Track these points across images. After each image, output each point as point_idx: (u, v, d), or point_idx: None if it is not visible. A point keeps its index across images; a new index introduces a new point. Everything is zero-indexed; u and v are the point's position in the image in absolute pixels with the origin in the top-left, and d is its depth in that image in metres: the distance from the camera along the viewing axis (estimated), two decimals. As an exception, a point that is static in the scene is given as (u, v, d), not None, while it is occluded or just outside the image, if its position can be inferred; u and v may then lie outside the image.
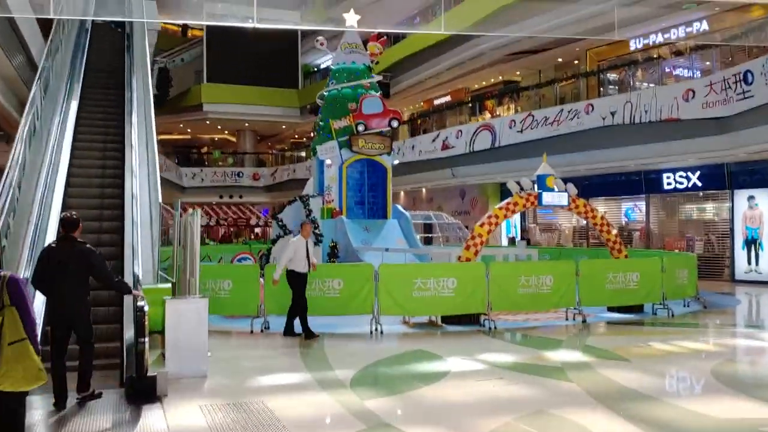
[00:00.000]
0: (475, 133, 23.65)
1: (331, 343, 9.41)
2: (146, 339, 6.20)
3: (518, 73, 28.42)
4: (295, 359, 8.39)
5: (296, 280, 9.78)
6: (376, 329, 10.11)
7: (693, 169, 19.76)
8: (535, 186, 12.09)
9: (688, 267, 13.17)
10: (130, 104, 13.28)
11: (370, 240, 17.49)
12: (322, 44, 19.36)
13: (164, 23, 43.23)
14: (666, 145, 17.71)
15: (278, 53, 37.94)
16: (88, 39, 17.81)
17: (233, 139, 43.78)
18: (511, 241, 25.78)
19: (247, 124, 40.17)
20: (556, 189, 12.06)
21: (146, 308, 6.33)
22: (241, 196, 38.54)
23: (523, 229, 26.09)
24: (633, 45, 23.34)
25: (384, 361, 8.25)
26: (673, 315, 11.90)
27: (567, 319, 11.46)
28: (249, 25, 10.51)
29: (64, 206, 10.08)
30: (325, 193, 18.18)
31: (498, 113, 25.39)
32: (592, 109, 19.49)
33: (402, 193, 31.89)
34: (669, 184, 20.51)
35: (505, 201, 11.82)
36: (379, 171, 19.07)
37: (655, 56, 20.24)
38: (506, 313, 11.47)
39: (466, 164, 24.14)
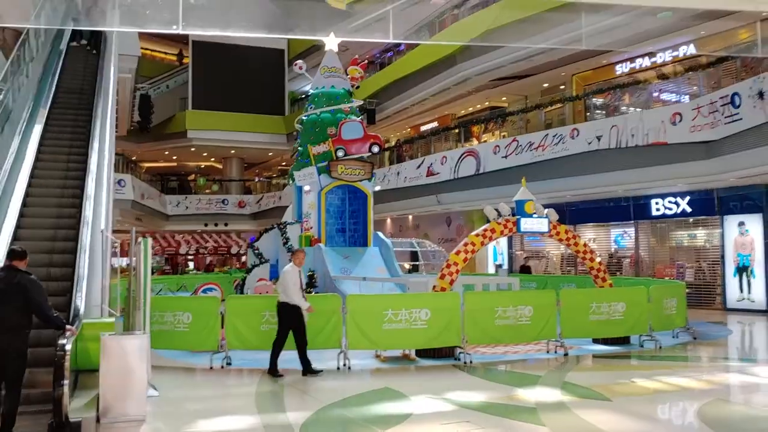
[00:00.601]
0: (459, 159, 23.19)
1: (292, 381, 8.76)
2: (65, 381, 5.57)
3: (504, 98, 28.07)
4: (248, 400, 7.73)
5: (290, 313, 9.09)
6: (344, 364, 9.47)
7: (682, 195, 19.29)
8: (514, 212, 11.57)
9: (677, 296, 12.58)
10: (94, 128, 12.72)
11: (350, 268, 16.91)
12: (300, 68, 18.94)
13: (148, 50, 43.19)
14: (654, 169, 17.23)
15: (264, 79, 37.61)
16: (61, 61, 17.28)
17: (219, 166, 43.23)
18: (498, 269, 25.21)
19: (233, 151, 39.67)
20: (536, 215, 11.50)
21: (68, 347, 5.71)
22: (226, 224, 37.90)
23: (528, 257, 25.43)
24: (619, 69, 23.07)
25: (344, 401, 7.60)
26: (660, 347, 11.30)
27: (548, 352, 10.85)
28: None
29: (15, 237, 9.49)
30: (303, 220, 17.61)
31: (484, 139, 25.00)
32: (578, 133, 19.06)
33: (388, 220, 31.35)
34: (658, 209, 20.01)
35: (482, 227, 11.26)
36: (360, 197, 18.60)
37: (641, 80, 19.83)
38: (485, 345, 10.86)
39: (451, 191, 23.64)
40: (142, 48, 42.56)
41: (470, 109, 30.00)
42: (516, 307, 10.35)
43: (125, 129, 32.83)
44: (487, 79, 25.20)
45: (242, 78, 36.68)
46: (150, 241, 8.33)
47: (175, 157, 42.64)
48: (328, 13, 27.97)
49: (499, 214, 11.32)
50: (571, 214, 22.54)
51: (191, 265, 36.89)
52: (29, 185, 11.22)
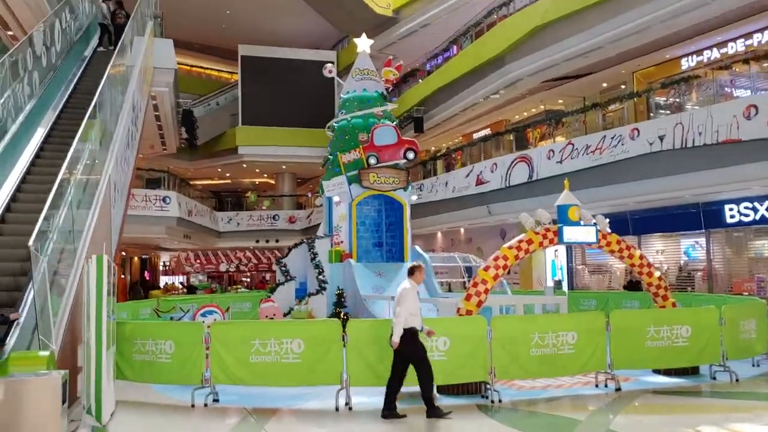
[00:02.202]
0: (510, 165, 21.46)
1: (277, 426, 7.35)
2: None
3: (561, 101, 26.18)
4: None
5: (413, 340, 7.74)
6: (345, 404, 8.00)
7: (760, 199, 17.02)
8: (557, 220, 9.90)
9: (757, 316, 10.56)
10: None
11: (384, 286, 15.44)
12: (330, 72, 17.67)
13: (200, 67, 43.15)
14: (725, 171, 15.11)
15: (314, 92, 36.72)
16: (83, 65, 16.53)
17: (273, 182, 42.65)
18: (557, 285, 23.24)
19: (284, 167, 38.93)
20: (582, 222, 9.79)
21: None
22: (277, 240, 37.06)
23: (571, 271, 23.53)
24: (685, 63, 20.95)
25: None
26: (737, 380, 9.38)
27: (597, 386, 9.10)
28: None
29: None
30: (333, 233, 16.27)
31: (538, 145, 23.17)
32: (638, 133, 17.08)
33: (439, 233, 29.75)
34: (732, 216, 17.76)
35: (517, 239, 9.63)
36: (397, 208, 17.13)
37: (710, 73, 17.72)
38: (523, 378, 9.19)
39: (502, 200, 21.89)
40: (192, 66, 42.92)
41: (525, 114, 28.22)
42: (557, 333, 8.65)
43: (174, 147, 32.56)
44: (540, 80, 23.47)
45: (292, 92, 35.97)
46: (105, 258, 7.12)
47: (228, 174, 42.37)
48: (375, 20, 26.82)
49: (538, 223, 9.67)
50: (635, 223, 20.47)
51: (246, 282, 36.27)
52: (17, 189, 10.35)
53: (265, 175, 42.47)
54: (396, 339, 7.59)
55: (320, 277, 15.08)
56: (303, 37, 36.85)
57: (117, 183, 12.30)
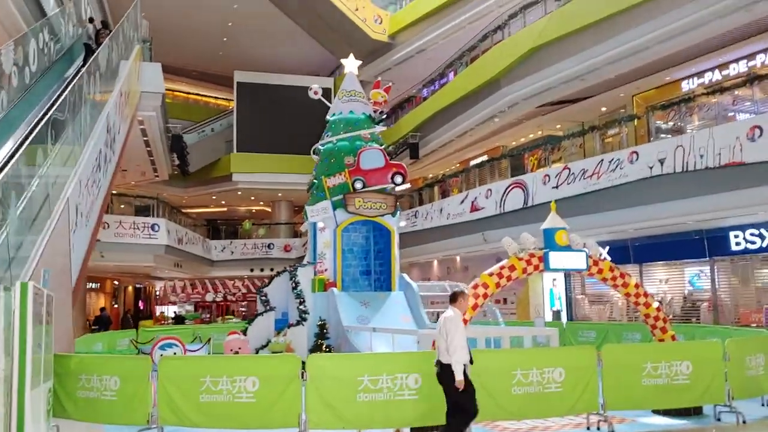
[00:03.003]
0: (505, 191, 20.74)
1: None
2: None
3: (558, 126, 25.53)
4: None
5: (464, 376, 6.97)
6: (304, 450, 7.18)
7: (767, 225, 16.23)
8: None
9: (765, 351, 9.67)
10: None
11: (369, 317, 14.64)
12: (316, 93, 17.02)
13: (197, 95, 42.81)
14: (729, 195, 14.34)
15: (310, 119, 36.04)
16: (63, 87, 15.95)
17: (269, 210, 41.97)
18: (556, 315, 22.34)
19: (280, 194, 38.25)
20: (570, 247, 9.01)
21: None
22: (272, 269, 36.17)
23: (570, 301, 22.65)
24: (686, 86, 20.30)
25: None
26: (744, 421, 8.50)
27: (588, 428, 8.23)
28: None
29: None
30: (317, 261, 15.50)
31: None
32: (637, 157, 16.37)
33: (435, 262, 28.93)
34: (738, 244, 16.94)
35: (498, 265, 8.85)
36: (386, 235, 16.36)
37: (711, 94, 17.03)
38: (503, 419, 8.32)
39: (498, 227, 21.10)
40: (189, 93, 42.53)
41: (522, 140, 27.59)
42: (542, 369, 7.82)
43: (166, 173, 31.91)
44: (537, 104, 22.85)
45: (288, 118, 35.42)
46: (31, 285, 6.35)
47: (224, 202, 41.73)
48: (371, 46, 26.30)
49: (522, 248, 8.89)
50: (636, 251, 19.64)
51: (243, 312, 35.34)
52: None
53: (261, 203, 41.80)
54: (460, 378, 6.82)
55: (301, 307, 14.28)
56: (300, 64, 36.47)
57: (80, 206, 11.60)
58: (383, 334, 12.25)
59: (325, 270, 15.31)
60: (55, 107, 10.36)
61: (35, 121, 10.62)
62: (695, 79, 19.96)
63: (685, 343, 9.68)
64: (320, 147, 16.73)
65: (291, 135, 35.10)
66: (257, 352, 13.48)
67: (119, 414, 7.73)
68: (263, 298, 15.33)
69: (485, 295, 8.47)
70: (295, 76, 35.89)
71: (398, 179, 15.72)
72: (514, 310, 24.14)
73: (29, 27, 15.83)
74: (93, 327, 27.20)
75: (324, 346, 13.86)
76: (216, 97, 44.04)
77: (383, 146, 16.35)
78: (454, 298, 7.40)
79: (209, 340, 17.60)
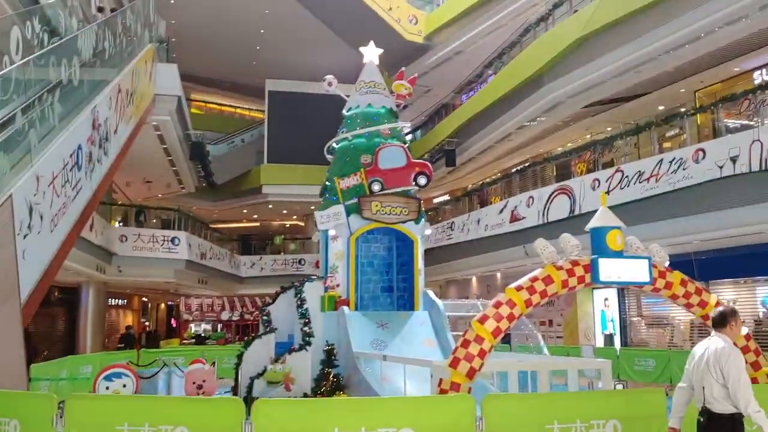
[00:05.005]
0: (549, 198, 18.45)
1: None
2: None
3: (610, 129, 23.10)
4: None
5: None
6: None
7: None
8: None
9: None
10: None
11: (386, 341, 12.55)
12: (330, 85, 15.12)
13: (229, 106, 41.59)
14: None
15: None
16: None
17: (302, 224, 40.29)
18: (609, 340, 19.83)
19: (312, 207, 36.42)
20: (626, 252, 6.78)
21: None
22: (302, 286, 34.41)
23: (624, 324, 20.09)
24: (758, 77, 17.76)
25: None
26: None
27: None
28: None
29: None
30: (328, 275, 13.48)
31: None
32: (704, 155, 13.96)
33: (474, 279, 26.61)
34: (826, 258, 14.33)
35: (529, 276, 6.68)
36: (411, 245, 14.24)
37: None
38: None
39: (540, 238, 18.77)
40: (221, 105, 41.40)
41: (569, 145, 25.15)
42: (588, 422, 5.59)
43: (192, 185, 30.57)
44: (584, 103, 20.54)
45: (321, 128, 33.57)
46: None
47: (255, 216, 40.25)
48: (405, 49, 24.28)
49: (561, 254, 6.71)
50: (702, 267, 16.96)
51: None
52: None
53: (295, 217, 40.21)
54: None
55: (305, 328, 12.24)
56: (333, 71, 34.62)
57: (39, 207, 9.86)
58: (391, 363, 10.13)
59: (337, 285, 13.27)
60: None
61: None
62: (768, 69, 17.46)
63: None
64: (334, 145, 14.80)
65: (324, 145, 33.45)
66: (252, 382, 11.51)
67: (17, 471, 5.79)
68: (265, 317, 13.36)
69: (511, 317, 6.30)
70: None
71: (422, 180, 13.63)
72: (561, 333, 21.70)
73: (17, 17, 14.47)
74: (119, 345, 25.87)
75: (331, 376, 11.79)
76: (249, 109, 42.83)
77: (406, 144, 14.30)
78: (722, 320, 5.27)
79: (213, 363, 15.79)
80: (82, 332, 23.38)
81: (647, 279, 6.77)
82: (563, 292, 6.76)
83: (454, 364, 6.11)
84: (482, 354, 6.12)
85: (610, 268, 6.62)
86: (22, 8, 14.66)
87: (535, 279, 6.51)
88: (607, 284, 6.91)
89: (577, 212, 17.18)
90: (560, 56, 19.18)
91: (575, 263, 6.65)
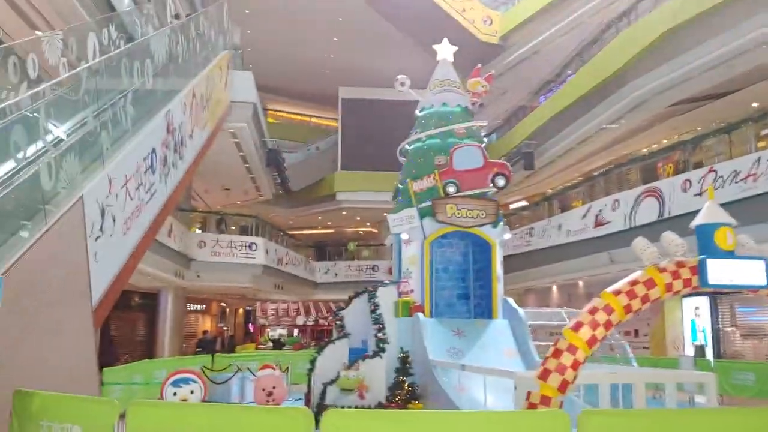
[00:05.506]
0: (636, 202, 17.43)
1: None
2: None
3: (699, 128, 21.76)
4: None
5: None
6: None
7: None
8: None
9: None
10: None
11: (463, 350, 11.99)
12: (402, 85, 14.69)
13: (304, 115, 41.88)
14: None
15: (417, 133, 34.14)
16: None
17: (376, 231, 40.11)
18: (700, 352, 18.56)
19: (385, 214, 36.15)
20: (737, 252, 6.02)
21: None
22: (375, 292, 34.19)
23: (717, 334, 18.74)
24: None
25: None
26: None
27: None
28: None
29: None
30: (401, 280, 13.03)
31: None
32: (809, 151, 12.81)
33: (554, 287, 25.61)
34: None
35: (628, 279, 6.01)
36: (488, 250, 13.63)
37: None
38: None
39: (627, 245, 17.56)
40: (296, 114, 41.81)
41: (654, 146, 23.90)
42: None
43: (269, 192, 30.91)
44: (671, 101, 19.41)
45: (394, 134, 33.41)
46: None
47: (330, 223, 40.35)
48: (480, 50, 23.68)
49: (662, 255, 6.02)
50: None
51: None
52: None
53: (368, 224, 40.07)
54: None
55: (379, 335, 11.82)
56: (408, 76, 34.54)
57: (112, 210, 9.80)
58: (470, 374, 9.55)
59: (411, 291, 12.79)
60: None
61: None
62: None
63: None
64: (407, 146, 14.35)
65: (396, 152, 33.18)
66: (325, 389, 11.16)
67: (80, 479, 5.55)
68: (339, 322, 13.02)
69: (608, 324, 5.65)
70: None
71: (500, 181, 13.02)
72: (647, 344, 20.52)
73: (95, 24, 14.71)
74: (197, 350, 26.24)
75: (406, 385, 11.32)
76: (323, 117, 43.10)
77: (482, 144, 13.71)
78: None
79: (287, 369, 15.58)
80: (160, 337, 23.74)
81: (764, 282, 5.97)
82: (667, 297, 6.04)
83: (544, 376, 5.51)
84: (576, 365, 5.50)
85: (720, 270, 5.87)
86: (99, 15, 14.97)
87: (635, 282, 5.84)
88: (717, 288, 6.14)
89: (666, 215, 16.14)
90: (645, 51, 18.16)
91: (680, 264, 5.93)
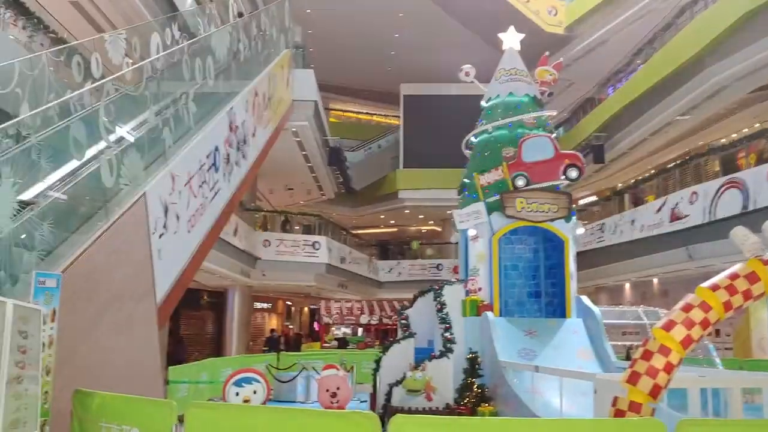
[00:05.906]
0: (716, 194, 16.43)
1: None
2: None
3: (784, 115, 20.55)
4: None
5: None
6: None
7: None
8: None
9: None
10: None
11: (536, 350, 11.46)
12: (467, 74, 14.23)
13: (360, 113, 41.75)
14: None
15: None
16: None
17: (439, 229, 39.61)
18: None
19: (449, 212, 35.61)
20: None
21: None
22: (439, 291, 33.70)
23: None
24: None
25: None
26: None
27: None
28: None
29: None
30: (469, 278, 12.57)
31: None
32: None
33: (627, 285, 24.60)
34: None
35: (728, 272, 5.42)
36: (559, 246, 13.04)
37: None
38: None
39: (707, 239, 16.75)
40: (358, 113, 41.79)
41: (734, 136, 22.63)
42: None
43: (331, 191, 30.92)
44: (752, 87, 18.29)
45: (457, 130, 32.87)
46: (10, 303, 4.19)
47: (393, 222, 40.11)
48: (546, 41, 23.03)
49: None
50: None
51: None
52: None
53: (431, 222, 39.60)
54: None
55: (446, 334, 11.40)
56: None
57: (176, 207, 9.71)
58: (542, 376, 9.03)
59: (479, 289, 12.33)
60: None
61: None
62: None
63: None
64: (473, 139, 13.87)
65: (459, 147, 32.64)
66: (391, 389, 10.82)
67: (141, 483, 5.35)
68: (403, 321, 12.65)
69: (705, 323, 5.09)
70: (463, 85, 33.36)
71: (573, 173, 12.42)
72: (730, 345, 19.38)
73: (157, 24, 14.79)
74: (264, 348, 26.41)
75: (475, 386, 10.87)
76: (384, 115, 42.91)
77: (553, 135, 13.12)
78: None
79: (352, 368, 15.32)
80: (228, 335, 23.93)
81: None
82: (773, 292, 5.43)
83: (634, 379, 5.00)
84: (669, 368, 4.96)
85: (834, 263, 5.24)
86: (162, 16, 15.05)
87: (735, 276, 5.25)
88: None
89: (750, 208, 15.12)
90: (724, 35, 17.11)
91: (788, 256, 5.33)
